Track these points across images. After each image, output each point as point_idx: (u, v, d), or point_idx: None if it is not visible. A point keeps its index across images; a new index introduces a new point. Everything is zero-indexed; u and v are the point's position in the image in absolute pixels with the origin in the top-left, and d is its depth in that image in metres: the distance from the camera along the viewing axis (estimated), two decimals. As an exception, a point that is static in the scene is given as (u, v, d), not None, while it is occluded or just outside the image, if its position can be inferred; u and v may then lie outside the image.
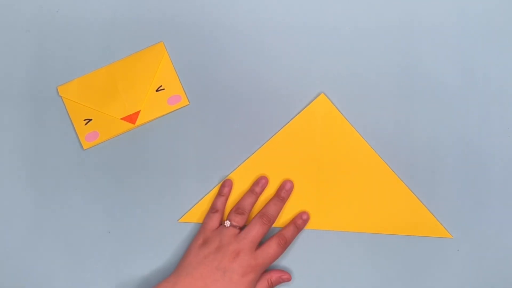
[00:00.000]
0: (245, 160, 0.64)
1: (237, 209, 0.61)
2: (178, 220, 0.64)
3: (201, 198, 0.64)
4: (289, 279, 0.62)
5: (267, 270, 0.61)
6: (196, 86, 0.65)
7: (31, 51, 0.66)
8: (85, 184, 0.64)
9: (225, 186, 0.63)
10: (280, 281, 0.61)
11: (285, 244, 0.60)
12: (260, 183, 0.63)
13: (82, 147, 0.64)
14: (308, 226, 0.63)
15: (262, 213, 0.61)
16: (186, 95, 0.65)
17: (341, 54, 0.66)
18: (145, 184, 0.64)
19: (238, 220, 0.60)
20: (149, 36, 0.66)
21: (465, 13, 0.66)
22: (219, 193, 0.63)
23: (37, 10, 0.66)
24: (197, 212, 0.64)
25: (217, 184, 0.64)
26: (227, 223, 0.60)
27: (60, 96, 0.65)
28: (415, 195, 0.64)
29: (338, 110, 0.65)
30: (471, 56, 0.66)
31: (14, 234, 0.64)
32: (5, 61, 0.66)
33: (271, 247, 0.59)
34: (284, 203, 0.63)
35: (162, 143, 0.65)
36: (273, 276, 0.61)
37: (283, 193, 0.63)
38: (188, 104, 0.65)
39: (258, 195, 0.63)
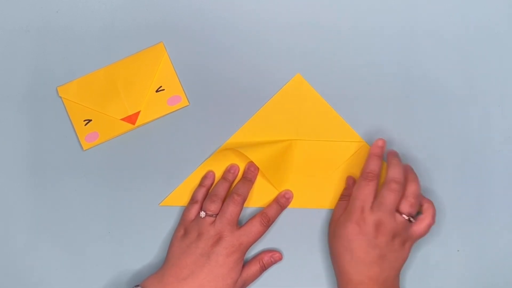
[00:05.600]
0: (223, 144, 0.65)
1: (211, 196, 0.61)
2: (159, 204, 0.64)
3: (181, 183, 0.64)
4: (280, 258, 0.62)
5: (257, 252, 0.62)
6: (196, 87, 0.65)
7: (31, 52, 0.66)
8: (85, 185, 0.64)
9: (207, 178, 0.64)
10: (272, 260, 0.61)
11: (268, 223, 0.61)
12: (231, 169, 0.64)
13: (82, 147, 0.64)
14: (290, 204, 0.64)
15: (232, 192, 0.61)
16: (186, 95, 0.65)
17: (341, 52, 0.66)
18: (145, 184, 0.64)
19: (213, 209, 0.60)
20: (149, 37, 0.66)
21: (465, 14, 0.66)
22: (200, 184, 0.63)
23: (37, 11, 0.66)
24: (178, 196, 0.64)
25: (197, 167, 0.64)
26: (202, 213, 0.60)
27: (60, 97, 0.65)
28: None
29: (316, 90, 0.65)
30: (471, 57, 0.66)
31: (14, 234, 0.64)
32: (5, 62, 0.66)
33: (254, 225, 0.60)
34: (252, 184, 0.63)
35: (162, 144, 0.65)
36: (264, 257, 0.61)
37: (249, 174, 0.63)
38: (188, 105, 0.65)
39: (230, 182, 0.63)
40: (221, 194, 0.61)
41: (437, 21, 0.66)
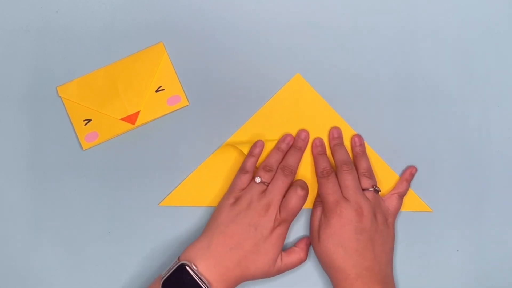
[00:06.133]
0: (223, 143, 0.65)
1: (265, 166, 0.61)
2: (158, 204, 0.64)
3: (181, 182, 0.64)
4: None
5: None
6: (195, 87, 0.65)
7: (31, 51, 0.66)
8: (84, 185, 0.64)
9: (256, 147, 0.63)
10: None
11: (291, 173, 0.61)
12: (286, 140, 0.63)
13: (81, 147, 0.64)
14: None
15: (282, 165, 0.61)
16: (185, 95, 0.65)
17: (341, 52, 0.66)
18: (145, 184, 0.64)
19: (267, 177, 0.60)
20: (148, 37, 0.66)
21: (465, 14, 0.66)
22: (250, 154, 0.63)
23: (37, 11, 0.66)
24: (178, 196, 0.64)
25: (197, 167, 0.64)
26: (258, 179, 0.60)
27: (60, 97, 0.65)
28: (395, 172, 0.64)
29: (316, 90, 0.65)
30: (471, 57, 0.66)
31: (14, 234, 0.64)
32: (5, 61, 0.66)
33: (288, 196, 0.59)
34: (302, 153, 0.63)
35: (162, 144, 0.65)
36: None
37: (299, 143, 0.63)
38: (187, 105, 0.65)
39: (284, 152, 0.63)
40: (275, 165, 0.61)
41: (437, 21, 0.66)
